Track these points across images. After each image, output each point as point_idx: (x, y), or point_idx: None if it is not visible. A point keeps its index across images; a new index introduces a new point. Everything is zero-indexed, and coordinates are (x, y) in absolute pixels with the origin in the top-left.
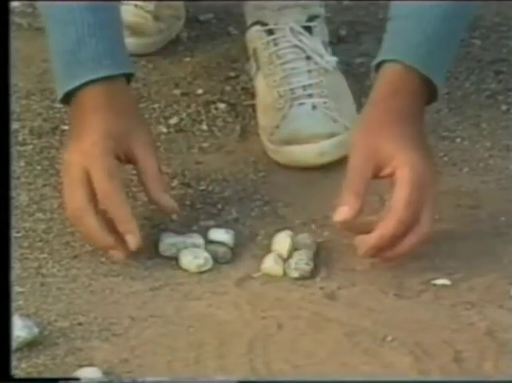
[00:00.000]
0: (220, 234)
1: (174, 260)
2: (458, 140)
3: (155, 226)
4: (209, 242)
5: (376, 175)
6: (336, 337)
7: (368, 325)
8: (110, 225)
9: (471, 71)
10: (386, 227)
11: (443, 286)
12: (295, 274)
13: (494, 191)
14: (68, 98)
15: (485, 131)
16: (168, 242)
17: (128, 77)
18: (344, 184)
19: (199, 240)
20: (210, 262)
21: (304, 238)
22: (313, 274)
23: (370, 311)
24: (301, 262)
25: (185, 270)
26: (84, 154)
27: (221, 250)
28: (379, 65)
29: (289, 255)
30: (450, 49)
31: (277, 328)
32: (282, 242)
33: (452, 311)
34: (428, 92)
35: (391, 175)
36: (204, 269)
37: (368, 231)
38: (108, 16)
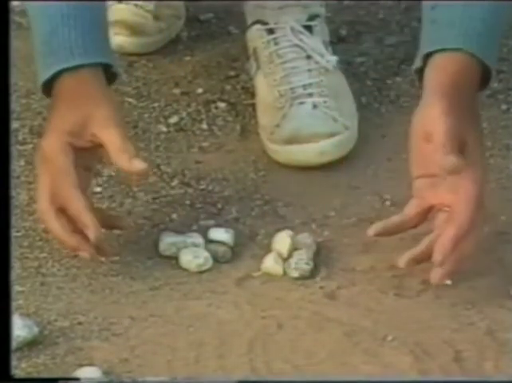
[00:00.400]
0: (220, 234)
1: (174, 260)
2: None
3: (154, 225)
4: (209, 241)
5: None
6: (336, 337)
7: (368, 324)
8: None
9: None
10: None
11: (443, 285)
12: (295, 274)
13: (494, 190)
14: (44, 90)
15: (485, 130)
16: (168, 241)
17: (107, 68)
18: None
19: (199, 240)
20: (210, 262)
21: (304, 237)
22: (312, 274)
23: (370, 311)
24: (301, 261)
25: (185, 270)
26: (45, 151)
27: (221, 249)
28: (427, 57)
29: (289, 255)
30: (500, 37)
31: (277, 328)
32: (282, 241)
33: (452, 311)
34: (483, 81)
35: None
36: (204, 268)
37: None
38: (85, 8)
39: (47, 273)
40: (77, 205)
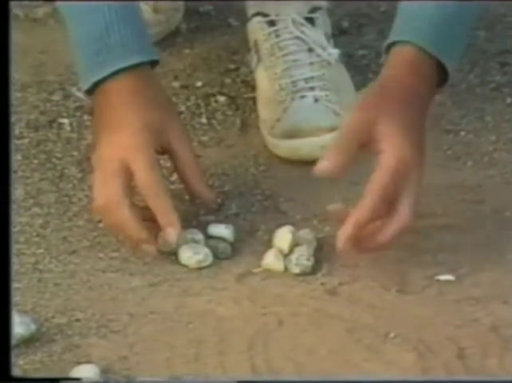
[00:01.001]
0: (220, 230)
1: (173, 255)
2: (463, 133)
3: (154, 221)
4: (209, 237)
5: (362, 145)
6: (337, 334)
7: (371, 321)
8: (143, 219)
9: (476, 63)
10: (359, 212)
11: (447, 281)
12: (296, 270)
13: (498, 185)
14: (93, 88)
15: (489, 124)
16: None
17: (153, 65)
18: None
19: (199, 236)
20: (210, 258)
21: (305, 233)
22: (314, 270)
23: (372, 307)
24: (302, 257)
25: (184, 266)
26: (123, 147)
27: (221, 245)
28: (389, 47)
29: (290, 251)
30: (462, 34)
31: (278, 324)
32: (283, 237)
33: (456, 307)
34: (439, 76)
35: (375, 153)
36: (204, 265)
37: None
38: (130, 4)
39: (44, 269)
40: (165, 202)
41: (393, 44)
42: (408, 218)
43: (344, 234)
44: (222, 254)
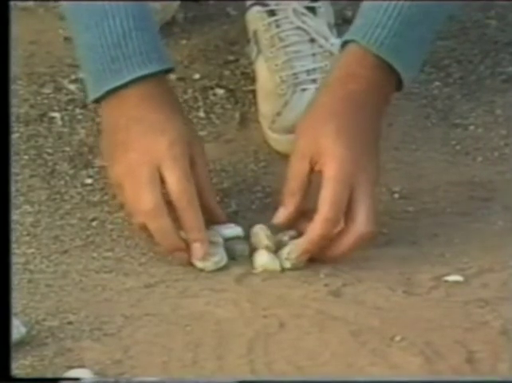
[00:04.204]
0: (233, 230)
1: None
2: (472, 127)
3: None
4: (224, 240)
5: (314, 171)
6: (341, 337)
7: (376, 323)
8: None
9: (486, 53)
10: (313, 229)
11: (455, 282)
12: (287, 265)
13: (509, 181)
14: (105, 95)
15: (500, 118)
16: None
17: (168, 73)
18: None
19: (217, 237)
20: (226, 258)
21: (281, 235)
22: (315, 270)
23: (377, 309)
24: (294, 252)
25: (201, 270)
26: (159, 154)
27: (239, 247)
28: (342, 47)
29: (278, 247)
30: (420, 37)
31: (279, 327)
32: (260, 235)
33: (465, 309)
34: (395, 79)
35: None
36: (221, 265)
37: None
38: (146, 9)
39: (35, 269)
40: (197, 217)
41: (346, 42)
42: (365, 226)
43: (299, 249)
44: (239, 256)
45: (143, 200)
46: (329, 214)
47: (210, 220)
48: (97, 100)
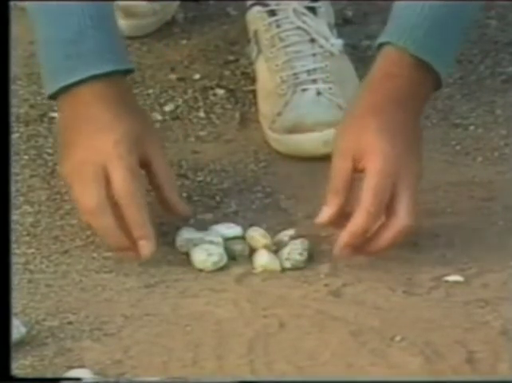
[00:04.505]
0: (233, 230)
1: (170, 255)
2: (472, 127)
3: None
4: (224, 239)
5: (357, 169)
6: (341, 337)
7: (376, 324)
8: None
9: (486, 53)
10: (355, 222)
11: (455, 282)
12: (287, 265)
13: (509, 182)
14: (59, 92)
15: (500, 118)
16: (185, 237)
17: (127, 74)
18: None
19: (217, 238)
20: (225, 258)
21: (283, 235)
22: (315, 269)
23: (377, 309)
24: (294, 252)
25: (201, 270)
26: (104, 153)
27: (238, 247)
28: (380, 46)
29: (279, 246)
30: (453, 36)
31: (279, 327)
32: (258, 236)
33: (465, 309)
34: (433, 78)
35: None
36: (220, 265)
37: None
38: (106, 9)
39: (35, 269)
40: (141, 214)
41: (382, 44)
42: (407, 220)
43: (341, 242)
44: (239, 256)
45: (86, 199)
46: (371, 207)
47: (176, 216)
48: (52, 97)
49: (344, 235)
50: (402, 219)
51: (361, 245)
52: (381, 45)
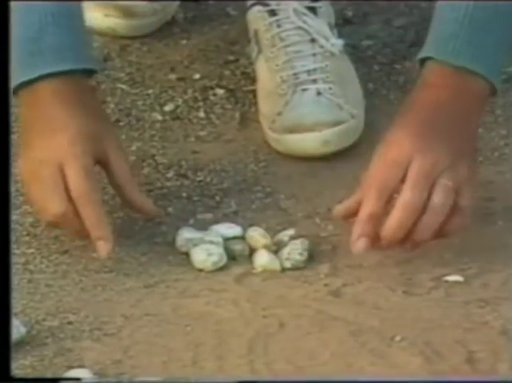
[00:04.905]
0: (233, 230)
1: (170, 255)
2: None
3: (149, 219)
4: (224, 239)
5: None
6: (341, 337)
7: (376, 323)
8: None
9: None
10: (402, 199)
11: (455, 282)
12: (287, 265)
13: (509, 182)
14: (20, 88)
15: (500, 118)
16: (185, 237)
17: (90, 74)
18: (362, 190)
19: (217, 238)
20: (225, 258)
21: (282, 235)
22: (315, 269)
23: (377, 309)
24: (294, 252)
25: (201, 270)
26: (60, 151)
27: (238, 247)
28: (423, 60)
29: (279, 246)
30: (496, 39)
31: (279, 327)
32: (257, 236)
33: (465, 309)
34: (481, 84)
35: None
36: (220, 265)
37: None
38: (71, 8)
39: (35, 269)
40: (97, 214)
41: (426, 58)
42: (467, 220)
43: (358, 230)
44: (239, 256)
45: (50, 204)
46: (418, 184)
47: (141, 214)
48: (14, 92)
49: (387, 227)
50: (466, 213)
51: (405, 236)
52: (422, 61)
